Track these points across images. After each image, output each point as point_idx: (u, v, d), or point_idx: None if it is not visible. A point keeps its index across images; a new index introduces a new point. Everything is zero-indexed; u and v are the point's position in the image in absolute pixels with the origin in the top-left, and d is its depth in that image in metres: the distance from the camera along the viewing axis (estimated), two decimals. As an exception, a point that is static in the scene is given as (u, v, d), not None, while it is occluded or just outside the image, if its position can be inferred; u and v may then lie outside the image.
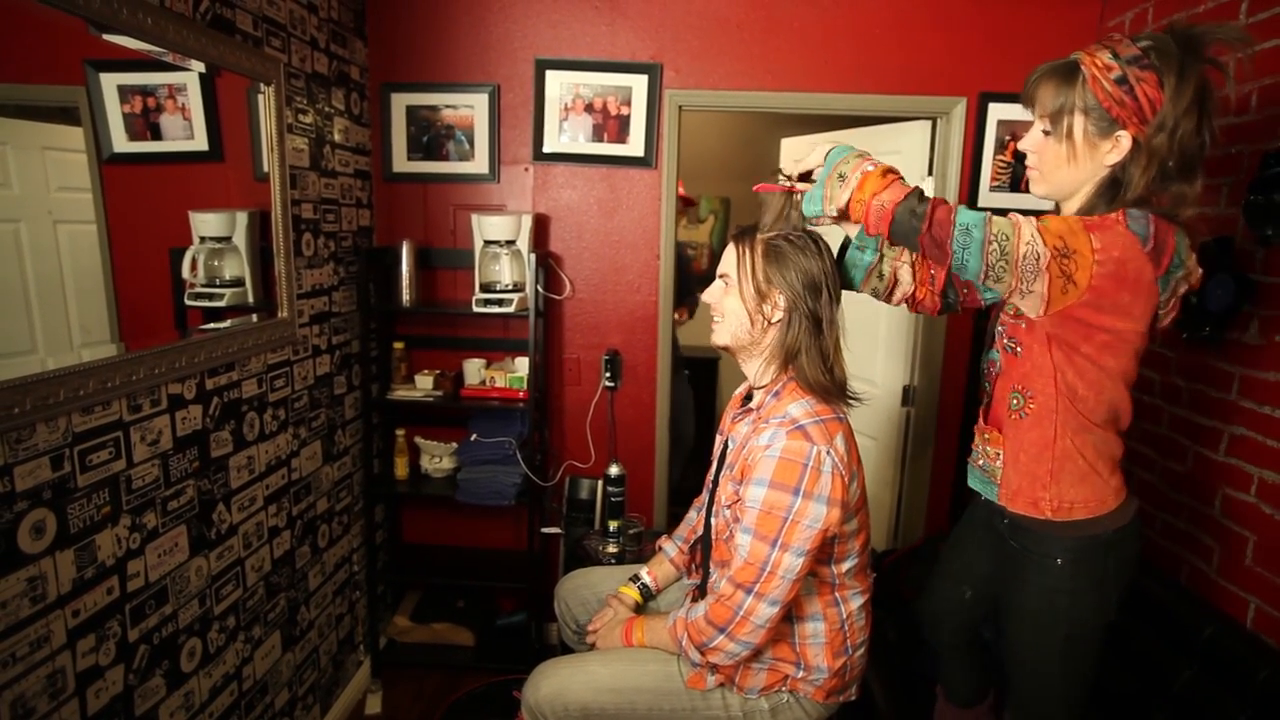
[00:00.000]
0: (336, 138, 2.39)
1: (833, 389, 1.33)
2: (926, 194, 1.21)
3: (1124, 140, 1.24)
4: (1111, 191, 1.28)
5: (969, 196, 2.65)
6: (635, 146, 2.62)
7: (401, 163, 2.67)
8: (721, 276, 1.41)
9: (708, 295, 1.44)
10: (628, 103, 2.60)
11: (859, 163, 1.25)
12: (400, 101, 2.62)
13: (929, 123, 2.70)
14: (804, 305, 1.33)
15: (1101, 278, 1.16)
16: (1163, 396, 2.11)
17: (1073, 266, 1.15)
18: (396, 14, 2.60)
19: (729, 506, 1.34)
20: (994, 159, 2.61)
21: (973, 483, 1.53)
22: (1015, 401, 1.37)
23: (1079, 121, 1.25)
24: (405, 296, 2.58)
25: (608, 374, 2.72)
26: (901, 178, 1.25)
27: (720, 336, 1.43)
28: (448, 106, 2.63)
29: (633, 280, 2.71)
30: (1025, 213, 1.24)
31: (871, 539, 1.54)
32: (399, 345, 2.70)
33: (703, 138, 4.33)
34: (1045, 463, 1.34)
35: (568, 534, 2.71)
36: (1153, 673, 1.86)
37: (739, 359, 1.46)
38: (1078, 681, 1.43)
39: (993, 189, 2.64)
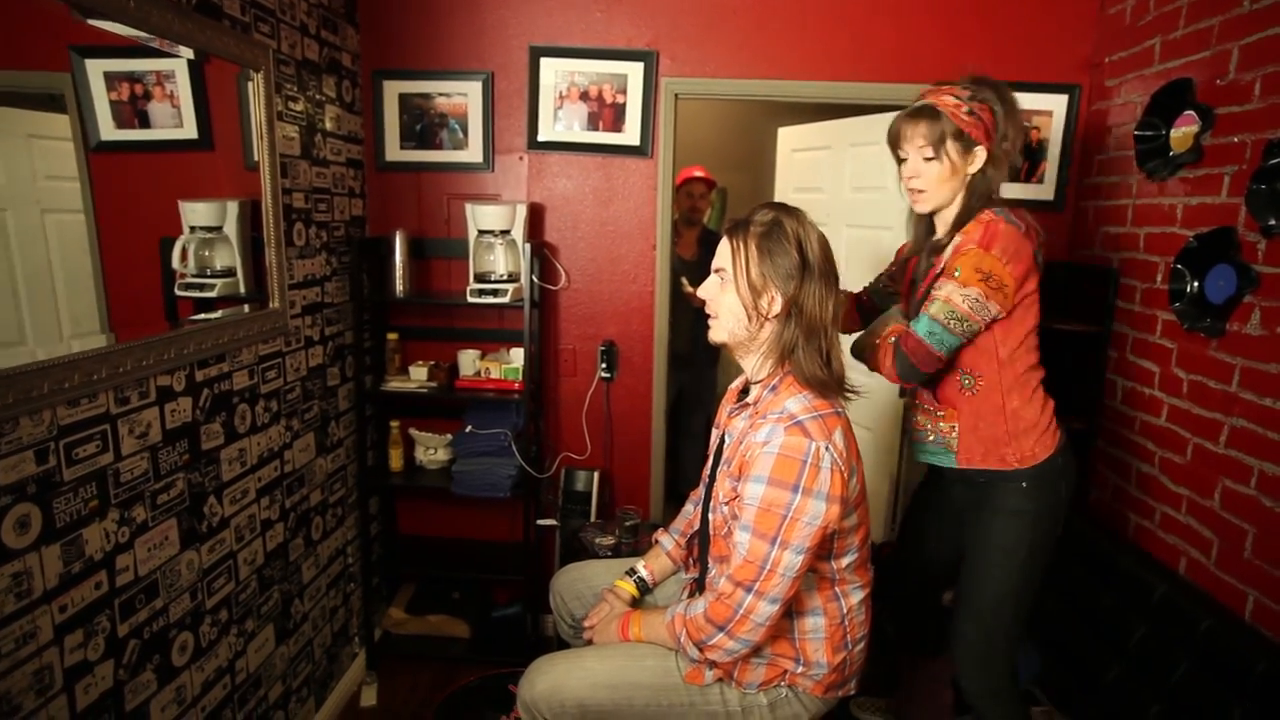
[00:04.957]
0: (328, 126, 2.35)
1: (831, 383, 1.31)
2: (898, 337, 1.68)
3: (980, 153, 1.65)
4: (976, 192, 1.67)
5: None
6: (631, 135, 2.59)
7: (395, 151, 2.64)
8: (717, 271, 1.39)
9: (703, 291, 1.42)
10: (623, 91, 2.57)
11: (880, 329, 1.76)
12: (393, 89, 2.58)
13: (928, 111, 2.67)
14: (801, 299, 1.31)
15: (1015, 269, 1.58)
16: (1162, 388, 2.10)
17: (998, 278, 1.57)
18: (389, 0, 2.56)
19: (727, 503, 1.32)
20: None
21: (924, 457, 1.85)
22: (966, 381, 1.70)
23: (952, 145, 1.63)
24: (399, 287, 2.55)
25: (604, 365, 2.70)
26: (893, 334, 1.71)
27: (717, 333, 1.41)
28: (441, 94, 2.60)
29: (629, 270, 2.69)
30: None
31: (871, 532, 1.54)
32: (393, 336, 2.68)
33: (698, 126, 4.29)
34: (1001, 425, 1.68)
35: (563, 526, 2.70)
36: (1151, 664, 1.85)
37: (735, 354, 1.44)
38: (1030, 592, 1.73)
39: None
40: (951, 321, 1.57)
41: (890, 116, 2.93)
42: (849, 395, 1.38)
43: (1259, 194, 1.74)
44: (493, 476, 2.56)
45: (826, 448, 1.22)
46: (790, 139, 3.39)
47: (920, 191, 1.70)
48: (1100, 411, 2.41)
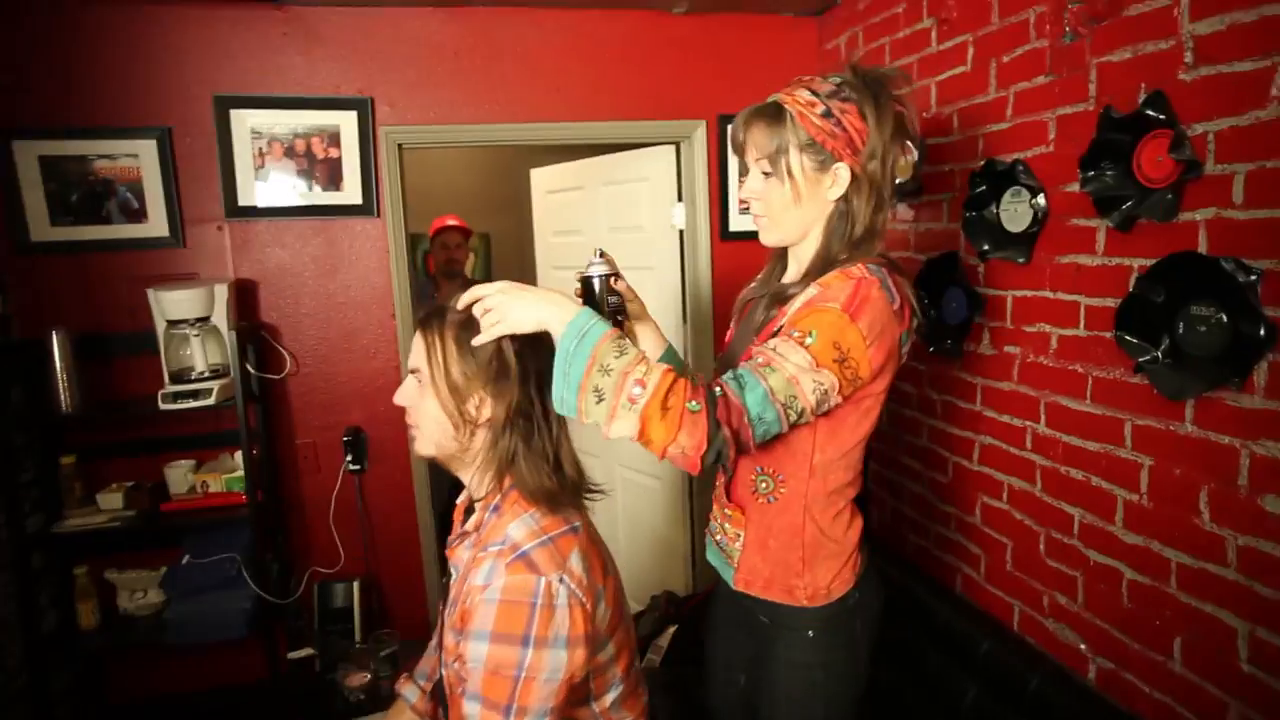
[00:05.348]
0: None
1: (562, 493, 1.10)
2: (710, 392, 1.04)
3: (842, 172, 1.19)
4: (841, 227, 1.22)
5: (720, 220, 2.60)
6: (351, 193, 2.27)
7: (43, 229, 2.10)
8: (413, 372, 1.14)
9: (399, 397, 1.16)
10: (336, 143, 2.24)
11: (621, 382, 1.01)
12: (28, 152, 2.06)
13: (673, 147, 2.62)
14: (514, 398, 1.09)
15: (875, 356, 1.13)
16: (920, 409, 2.14)
17: (854, 363, 1.10)
18: (8, 40, 2.04)
19: (455, 661, 1.06)
20: (740, 181, 2.58)
21: (710, 557, 1.42)
22: (763, 485, 1.26)
23: (796, 159, 1.19)
24: (64, 400, 2.02)
25: (350, 457, 2.33)
26: (686, 390, 1.02)
27: (423, 446, 1.15)
28: (102, 156, 2.11)
29: (368, 345, 2.35)
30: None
31: (670, 589, 1.33)
32: (68, 460, 2.12)
33: (452, 172, 4.03)
34: (796, 550, 1.25)
35: (324, 653, 2.27)
36: (942, 692, 1.83)
37: (450, 469, 1.19)
38: None
39: (743, 211, 2.60)
40: (788, 408, 1.06)
41: (636, 155, 2.91)
42: (592, 497, 1.18)
43: (971, 221, 1.80)
44: (220, 615, 2.09)
45: (561, 579, 1.00)
46: (544, 180, 3.23)
47: (759, 216, 1.27)
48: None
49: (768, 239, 1.29)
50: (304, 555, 2.38)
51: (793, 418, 1.07)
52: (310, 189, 2.25)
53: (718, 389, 1.05)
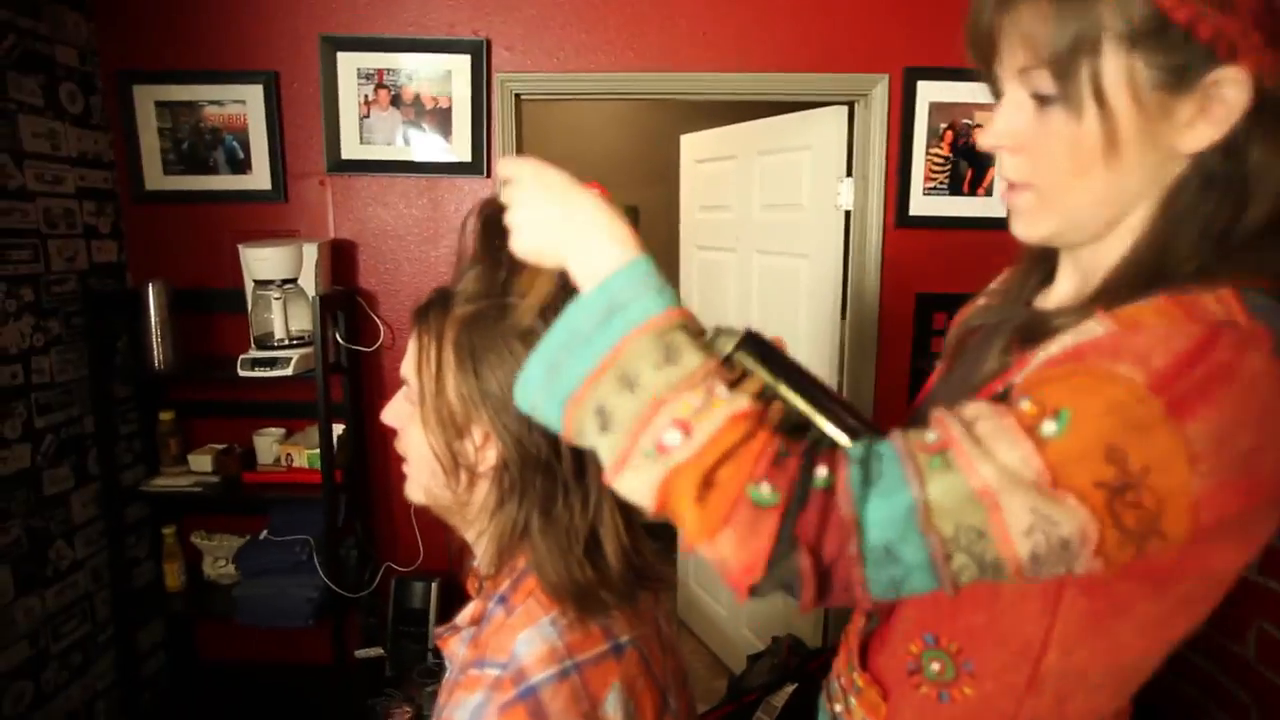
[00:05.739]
0: (29, 145, 1.74)
1: (602, 589, 0.72)
2: (807, 471, 0.52)
3: (1232, 90, 0.54)
4: (1204, 208, 0.57)
5: (898, 201, 2.06)
6: (460, 149, 2.00)
7: (157, 177, 2.03)
8: (406, 383, 0.80)
9: (388, 414, 0.83)
10: (448, 92, 1.98)
11: (650, 413, 0.53)
12: (146, 97, 1.97)
13: (844, 109, 2.11)
14: (530, 441, 0.72)
15: (1215, 497, 0.51)
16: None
17: (1152, 499, 0.50)
18: (133, -18, 1.96)
19: None
20: (928, 153, 2.02)
21: None
22: (933, 666, 0.68)
23: (1117, 65, 0.55)
24: (156, 354, 1.93)
25: (436, 447, 2.09)
26: (761, 458, 0.52)
27: (411, 490, 0.81)
28: (212, 103, 1.99)
29: (465, 323, 2.09)
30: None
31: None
32: (167, 416, 2.06)
33: (598, 136, 3.72)
34: None
35: (395, 656, 2.08)
36: None
37: (453, 526, 0.84)
38: None
39: (927, 192, 2.05)
40: (959, 549, 0.50)
41: (798, 119, 2.41)
42: (650, 588, 0.79)
43: None
44: (286, 601, 1.94)
45: None
46: (694, 147, 2.82)
47: (1019, 187, 0.63)
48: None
49: (1029, 232, 0.64)
50: (384, 546, 2.20)
51: (965, 570, 0.51)
52: (417, 143, 2.00)
53: (824, 470, 0.52)
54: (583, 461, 0.74)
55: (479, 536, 0.80)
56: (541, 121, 3.65)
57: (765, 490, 0.51)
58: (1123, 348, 0.52)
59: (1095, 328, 0.55)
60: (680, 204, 2.93)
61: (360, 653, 2.07)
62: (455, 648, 0.82)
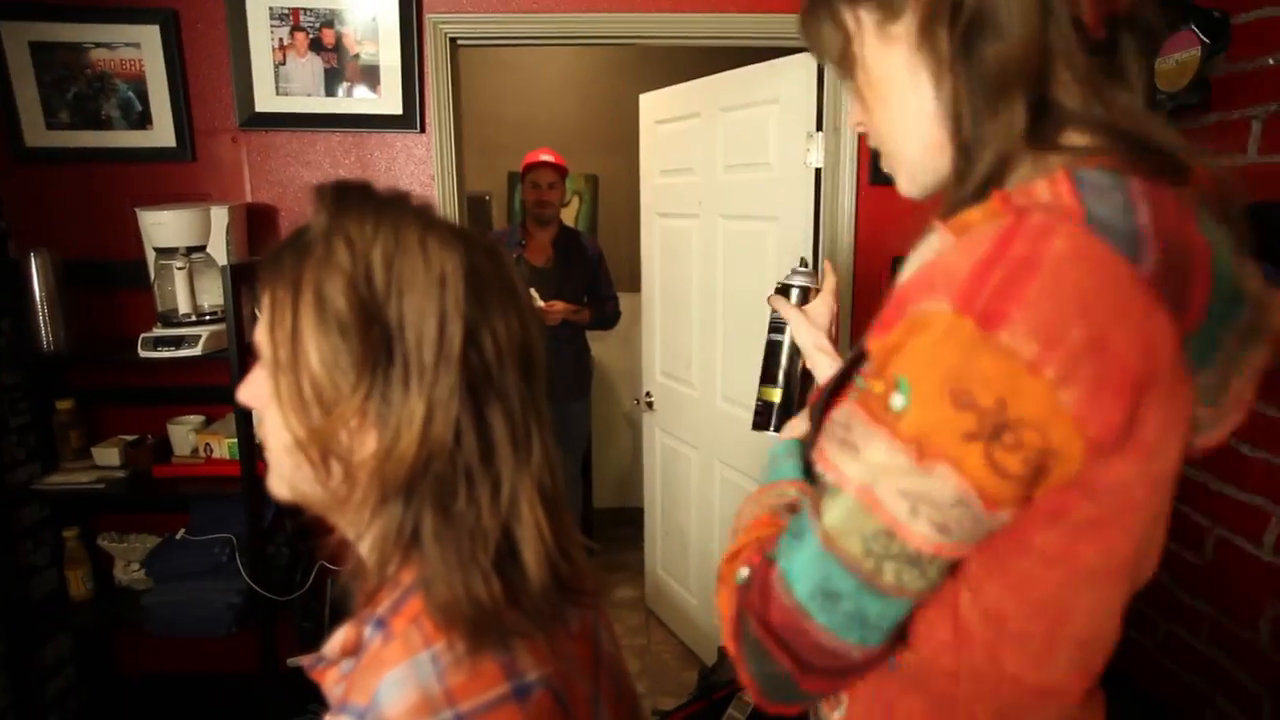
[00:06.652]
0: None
1: (511, 613, 0.55)
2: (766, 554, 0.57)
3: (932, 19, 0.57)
4: (984, 111, 0.56)
5: (872, 158, 1.90)
6: (390, 101, 1.79)
7: (39, 133, 1.78)
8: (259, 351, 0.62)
9: (244, 390, 0.65)
10: (373, 36, 1.76)
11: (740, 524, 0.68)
12: (18, 36, 1.72)
13: (814, 56, 1.93)
14: (428, 420, 0.55)
15: (1090, 398, 0.46)
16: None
17: (1032, 438, 0.47)
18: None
19: None
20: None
21: None
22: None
23: (856, 24, 0.62)
24: (45, 335, 1.70)
25: (372, 433, 1.89)
26: (759, 545, 0.61)
27: (274, 483, 0.64)
28: (99, 45, 1.75)
29: (401, 296, 1.89)
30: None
31: None
32: (64, 405, 1.83)
33: (556, 101, 3.50)
34: None
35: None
36: None
37: (338, 527, 0.67)
38: None
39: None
40: (883, 569, 0.51)
41: (765, 69, 2.23)
42: (582, 603, 0.63)
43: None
44: (204, 608, 1.74)
45: None
46: (653, 107, 2.63)
47: (884, 158, 0.68)
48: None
49: (903, 185, 0.66)
50: (319, 543, 2.00)
51: (902, 574, 0.51)
52: (340, 93, 1.79)
53: (770, 546, 0.58)
54: (490, 439, 0.57)
55: (359, 540, 0.63)
56: (493, 85, 3.42)
57: (744, 573, 0.59)
58: (934, 274, 0.50)
59: (934, 242, 0.56)
60: (640, 168, 2.73)
61: (293, 661, 1.87)
62: (329, 685, 0.65)
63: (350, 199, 0.59)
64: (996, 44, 0.54)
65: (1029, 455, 0.47)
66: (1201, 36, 1.24)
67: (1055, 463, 0.48)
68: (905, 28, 0.58)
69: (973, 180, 0.56)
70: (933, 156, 0.61)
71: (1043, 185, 0.52)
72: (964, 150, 0.58)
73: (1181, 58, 1.30)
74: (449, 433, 0.56)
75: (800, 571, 0.53)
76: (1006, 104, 0.54)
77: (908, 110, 0.61)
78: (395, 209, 0.59)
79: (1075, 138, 0.55)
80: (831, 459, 0.54)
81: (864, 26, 0.61)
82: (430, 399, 0.55)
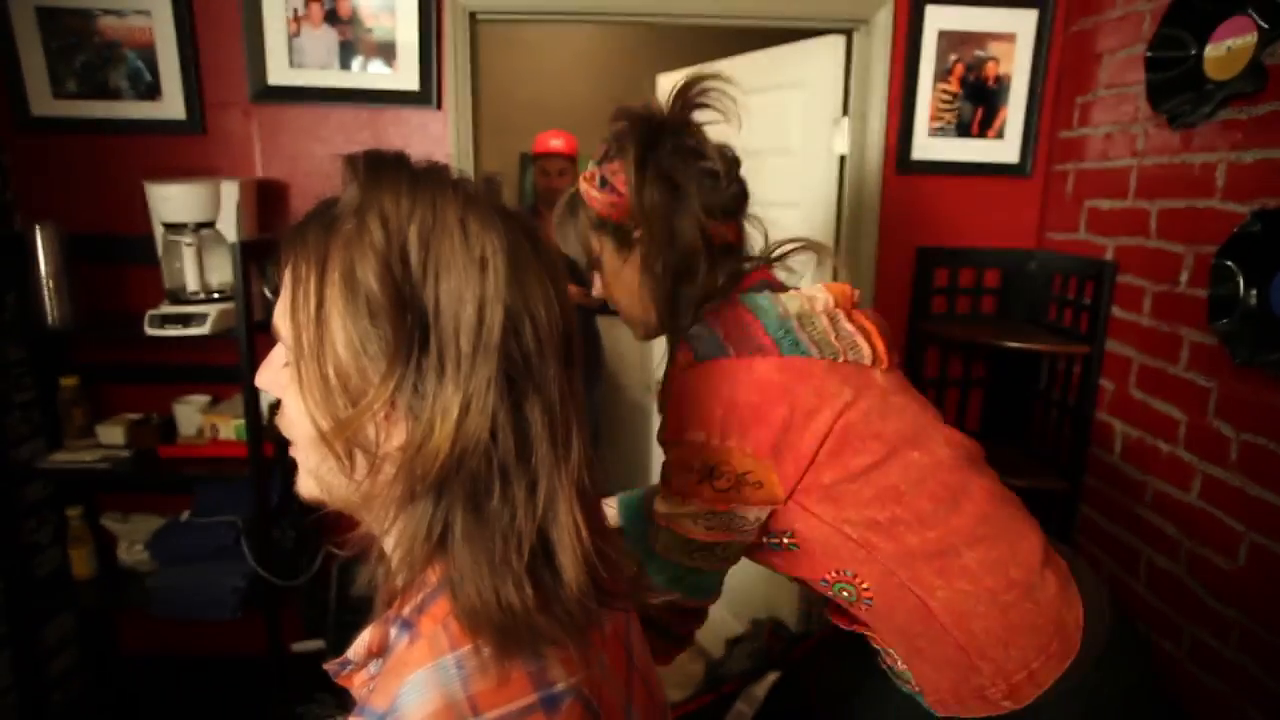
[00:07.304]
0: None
1: (542, 618, 0.52)
2: None
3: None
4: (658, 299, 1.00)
5: (898, 144, 1.85)
6: (406, 76, 1.74)
7: (45, 101, 1.73)
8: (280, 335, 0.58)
9: (262, 376, 0.61)
10: (389, 8, 1.71)
11: None
12: (25, 0, 1.67)
13: (841, 39, 1.88)
14: (464, 414, 0.51)
15: (750, 441, 0.86)
16: (1196, 449, 1.36)
17: (731, 474, 0.87)
18: None
19: None
20: (935, 89, 1.82)
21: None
22: (846, 593, 0.92)
23: (600, 244, 1.02)
24: (49, 310, 1.66)
25: (382, 416, 1.86)
26: None
27: (304, 482, 0.60)
28: (108, 12, 1.69)
29: (414, 277, 1.85)
30: None
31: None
32: (69, 382, 1.79)
33: (570, 80, 3.44)
34: (947, 642, 0.88)
35: (337, 648, 1.86)
36: None
37: (367, 525, 0.63)
38: None
39: (933, 133, 1.84)
40: (686, 555, 0.94)
41: (792, 50, 2.18)
42: (617, 607, 0.60)
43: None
44: (208, 590, 1.70)
45: None
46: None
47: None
48: (1085, 468, 1.67)
49: (643, 338, 1.12)
50: (326, 527, 1.97)
51: (698, 559, 0.95)
52: (355, 67, 1.74)
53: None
54: (528, 435, 0.53)
55: (384, 536, 0.59)
56: (507, 63, 3.36)
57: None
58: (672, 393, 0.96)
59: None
60: (656, 152, 2.68)
61: (298, 646, 1.85)
62: (360, 689, 0.61)
63: (385, 170, 0.55)
64: (647, 282, 0.98)
65: (734, 481, 0.86)
66: (1259, 21, 1.19)
67: (761, 483, 0.88)
68: (634, 251, 0.98)
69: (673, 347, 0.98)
70: (658, 318, 1.00)
71: (680, 355, 0.95)
72: (663, 324, 1.01)
73: (1234, 44, 1.25)
74: (485, 427, 0.51)
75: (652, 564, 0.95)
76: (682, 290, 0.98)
77: (641, 288, 0.99)
78: (433, 183, 0.55)
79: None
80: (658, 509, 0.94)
81: (600, 243, 1.01)
82: (466, 391, 0.51)
